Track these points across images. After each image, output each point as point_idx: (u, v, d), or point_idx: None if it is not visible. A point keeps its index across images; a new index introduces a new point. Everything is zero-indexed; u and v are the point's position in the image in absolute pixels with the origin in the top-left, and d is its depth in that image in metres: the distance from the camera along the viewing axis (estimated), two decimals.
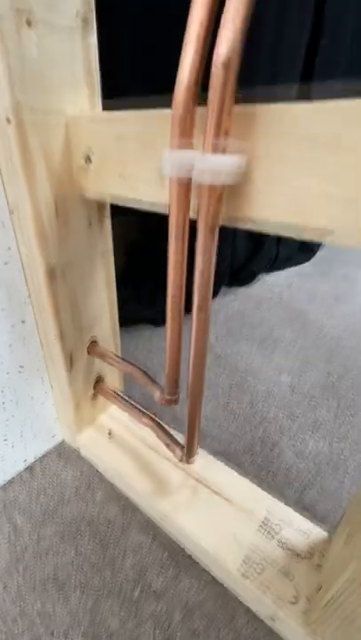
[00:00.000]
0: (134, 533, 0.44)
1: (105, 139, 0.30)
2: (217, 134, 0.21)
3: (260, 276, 1.26)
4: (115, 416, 0.55)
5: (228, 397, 0.68)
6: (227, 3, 0.19)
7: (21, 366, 0.44)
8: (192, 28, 0.20)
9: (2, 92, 0.29)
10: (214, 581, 0.40)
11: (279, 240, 1.29)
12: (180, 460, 0.41)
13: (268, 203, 0.22)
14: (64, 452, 0.54)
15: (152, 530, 0.44)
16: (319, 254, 1.48)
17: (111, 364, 0.45)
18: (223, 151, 0.21)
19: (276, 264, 1.31)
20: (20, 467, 0.51)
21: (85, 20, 0.31)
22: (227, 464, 0.50)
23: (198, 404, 0.36)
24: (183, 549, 0.42)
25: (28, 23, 0.27)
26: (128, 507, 0.47)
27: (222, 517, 0.41)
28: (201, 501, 0.42)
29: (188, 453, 0.40)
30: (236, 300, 1.10)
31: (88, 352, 0.46)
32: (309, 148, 0.19)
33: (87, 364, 0.48)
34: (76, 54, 0.31)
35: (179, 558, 0.42)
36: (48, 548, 0.42)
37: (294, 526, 0.40)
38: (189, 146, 0.23)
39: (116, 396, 0.49)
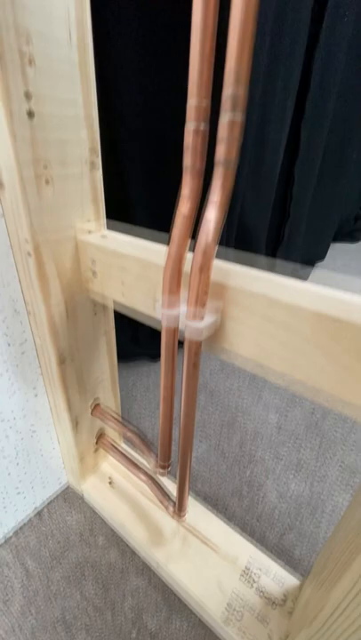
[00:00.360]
0: (132, 577, 0.50)
1: (108, 264, 0.36)
2: (195, 306, 0.27)
3: None
4: (115, 464, 0.61)
5: (219, 437, 0.74)
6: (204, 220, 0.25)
7: (33, 430, 0.50)
8: (175, 234, 0.26)
9: (23, 230, 0.35)
10: (201, 624, 0.46)
11: (272, 269, 1.35)
12: (173, 516, 0.47)
13: (238, 345, 0.28)
14: (69, 497, 0.60)
15: (148, 573, 0.50)
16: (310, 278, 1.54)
17: (113, 429, 0.51)
18: (201, 317, 0.27)
19: None
20: (30, 512, 0.56)
21: (92, 164, 0.37)
22: (215, 510, 0.56)
23: (187, 467, 0.41)
24: (175, 593, 0.48)
25: (47, 182, 0.33)
26: (127, 551, 0.53)
27: (209, 566, 0.47)
28: (191, 550, 0.48)
29: (179, 510, 0.46)
30: None
31: (91, 413, 0.52)
32: (266, 323, 0.25)
33: (91, 423, 0.53)
34: (84, 188, 0.37)
35: (171, 600, 0.48)
36: (57, 592, 0.48)
37: (271, 574, 0.46)
38: (177, 298, 0.29)
39: (116, 451, 0.55)
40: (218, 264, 0.29)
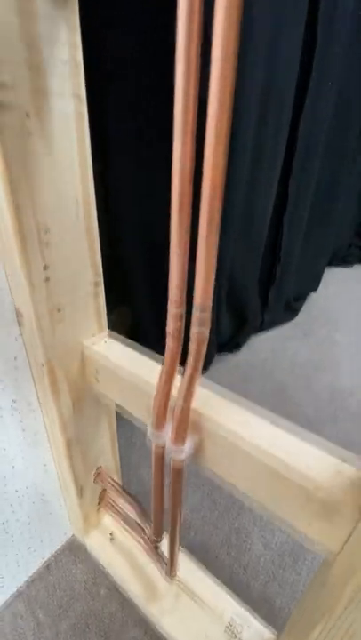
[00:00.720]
0: (131, 627, 0.57)
1: (109, 375, 0.43)
2: (177, 438, 0.34)
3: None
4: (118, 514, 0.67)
5: (211, 486, 0.81)
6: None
7: (43, 496, 0.57)
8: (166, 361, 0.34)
9: (38, 351, 0.42)
10: None
11: (264, 307, 1.42)
12: (165, 577, 0.54)
13: (213, 463, 0.35)
14: (74, 547, 0.67)
15: (145, 625, 0.57)
16: (300, 315, 1.60)
17: (113, 499, 0.58)
18: (183, 444, 0.34)
19: (261, 327, 1.44)
20: (40, 565, 0.63)
21: (96, 283, 0.45)
22: (206, 559, 0.62)
23: (176, 541, 0.48)
24: None
25: (59, 317, 0.40)
26: (126, 603, 0.59)
27: (198, 620, 0.53)
28: (182, 606, 0.55)
29: (170, 572, 0.52)
30: (225, 371, 1.22)
31: (94, 480, 0.59)
32: (233, 451, 0.32)
33: (93, 487, 0.60)
34: (89, 308, 0.45)
35: None
36: None
37: (253, 629, 0.52)
38: (164, 422, 0.36)
39: (116, 511, 0.62)
40: (201, 392, 0.36)
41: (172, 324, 0.31)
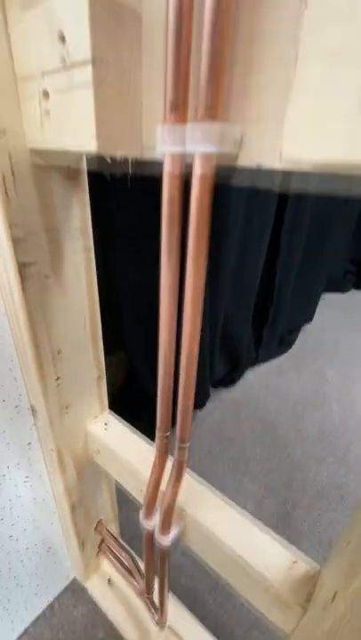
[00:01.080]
0: None
1: (108, 454, 0.50)
2: (163, 527, 0.41)
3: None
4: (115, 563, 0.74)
5: None
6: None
7: (49, 549, 0.64)
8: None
9: (49, 440, 0.49)
10: None
11: (258, 344, 1.49)
12: (156, 625, 0.60)
13: (193, 544, 0.42)
14: (75, 590, 0.73)
15: None
16: (295, 347, 1.67)
17: (111, 547, 0.65)
18: (168, 532, 0.41)
19: (256, 361, 1.51)
20: (44, 606, 0.70)
21: (100, 377, 0.52)
22: (195, 605, 0.68)
23: (165, 597, 0.55)
24: None
25: (66, 408, 0.48)
26: None
27: None
28: None
29: (160, 622, 0.59)
30: (219, 406, 1.29)
31: (95, 528, 0.66)
32: (208, 540, 0.39)
33: (94, 537, 0.67)
34: (92, 395, 0.52)
35: None
36: None
37: None
38: (153, 510, 0.43)
39: (113, 560, 0.68)
40: (187, 483, 0.43)
41: (159, 443, 0.38)
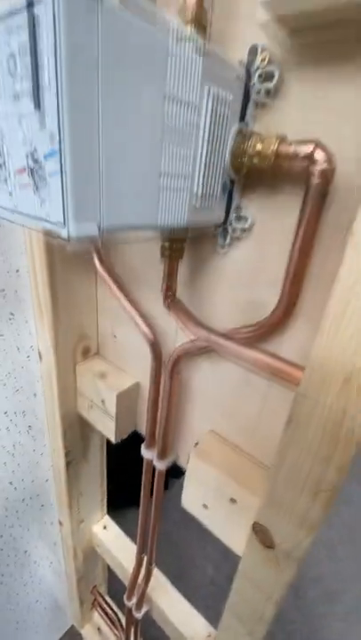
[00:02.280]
0: None
1: (106, 551, 0.78)
2: (138, 607, 0.68)
3: None
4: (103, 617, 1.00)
5: None
6: None
7: (57, 605, 0.90)
8: None
9: (69, 547, 0.77)
10: None
11: None
12: None
13: None
14: (73, 635, 0.98)
15: None
16: None
17: (101, 606, 0.91)
18: (141, 609, 0.68)
19: None
20: None
21: (102, 499, 0.80)
22: None
23: None
24: None
25: (82, 524, 0.76)
26: None
27: None
28: None
29: None
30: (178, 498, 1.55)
31: (90, 592, 0.92)
32: None
33: (89, 597, 0.93)
34: (97, 509, 0.80)
35: None
36: None
37: None
38: (132, 596, 0.70)
39: (102, 614, 0.94)
40: (154, 579, 0.70)
41: (137, 559, 0.66)
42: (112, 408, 0.52)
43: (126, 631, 0.80)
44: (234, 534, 0.39)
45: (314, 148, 0.24)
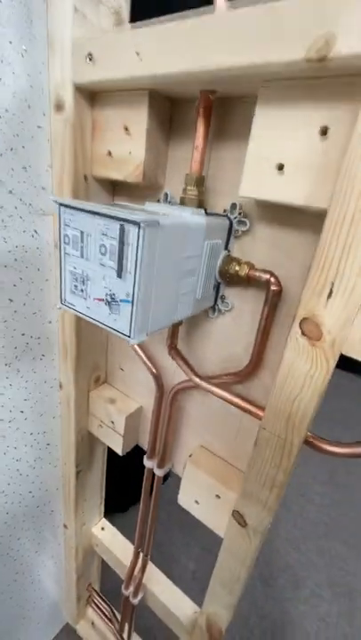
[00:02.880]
0: None
1: (105, 550, 0.90)
2: (135, 594, 0.80)
3: None
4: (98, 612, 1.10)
5: None
6: None
7: (53, 603, 1.00)
8: None
9: (72, 545, 0.88)
10: None
11: None
12: None
13: None
14: (69, 631, 1.08)
15: None
16: None
17: (95, 601, 1.02)
18: (137, 596, 0.81)
19: None
20: None
21: (101, 502, 0.92)
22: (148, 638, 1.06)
23: (132, 629, 0.93)
24: None
25: (84, 524, 0.87)
26: None
27: None
28: None
29: None
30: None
31: (86, 589, 1.03)
32: None
33: (85, 594, 1.04)
34: (96, 512, 0.92)
35: None
36: None
37: None
38: (130, 584, 0.83)
39: (97, 610, 1.05)
40: (149, 569, 0.83)
41: (134, 553, 0.78)
42: (121, 428, 0.65)
43: (121, 620, 0.91)
44: (218, 521, 0.54)
45: (270, 277, 0.40)
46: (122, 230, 0.30)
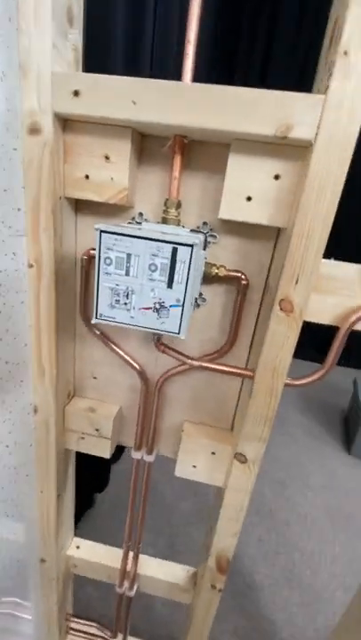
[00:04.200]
0: None
1: (84, 563, 0.88)
2: (130, 588, 0.85)
3: None
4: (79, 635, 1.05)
5: None
6: None
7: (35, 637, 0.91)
8: None
9: (52, 568, 0.83)
10: None
11: None
12: None
13: None
14: None
15: None
16: None
17: (74, 628, 0.99)
18: (132, 589, 0.85)
19: None
20: None
21: (71, 525, 0.89)
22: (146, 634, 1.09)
23: (128, 627, 0.95)
24: None
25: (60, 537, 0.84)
26: None
27: None
28: None
29: None
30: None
31: (65, 619, 0.98)
32: None
33: (64, 623, 0.98)
34: (70, 537, 0.89)
35: None
36: None
37: None
38: (123, 582, 0.86)
39: (79, 633, 1.01)
40: (141, 559, 0.87)
41: (126, 546, 0.82)
42: (108, 432, 0.69)
43: (116, 621, 0.93)
44: (216, 475, 0.67)
45: (241, 274, 0.55)
46: (174, 251, 0.38)
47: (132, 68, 1.24)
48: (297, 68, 2.55)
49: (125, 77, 0.43)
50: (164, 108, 0.43)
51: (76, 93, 0.45)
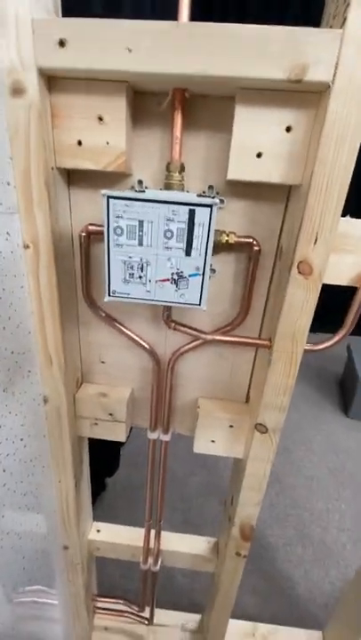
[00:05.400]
0: None
1: (105, 545, 0.89)
2: (155, 563, 0.86)
3: None
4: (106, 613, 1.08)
5: None
6: None
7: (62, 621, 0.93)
8: None
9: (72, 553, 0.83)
10: None
11: None
12: (147, 624, 1.02)
13: None
14: None
15: None
16: None
17: (101, 608, 1.01)
18: (157, 564, 0.86)
19: None
20: None
21: (89, 510, 0.89)
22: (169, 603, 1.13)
23: (154, 599, 0.98)
24: None
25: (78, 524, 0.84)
26: None
27: None
28: None
29: (150, 623, 1.01)
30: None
31: (91, 600, 1.00)
32: None
33: (91, 605, 1.00)
34: (89, 521, 0.89)
35: None
36: None
37: None
38: (147, 559, 0.87)
39: (107, 611, 1.03)
40: (163, 536, 0.88)
41: (147, 525, 0.83)
42: (122, 415, 0.67)
43: (142, 596, 0.95)
44: (235, 447, 0.67)
45: (252, 240, 0.52)
46: (191, 213, 0.35)
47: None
48: (298, 6, 2.33)
49: (118, 20, 0.38)
50: (163, 53, 0.39)
51: (62, 43, 0.39)
